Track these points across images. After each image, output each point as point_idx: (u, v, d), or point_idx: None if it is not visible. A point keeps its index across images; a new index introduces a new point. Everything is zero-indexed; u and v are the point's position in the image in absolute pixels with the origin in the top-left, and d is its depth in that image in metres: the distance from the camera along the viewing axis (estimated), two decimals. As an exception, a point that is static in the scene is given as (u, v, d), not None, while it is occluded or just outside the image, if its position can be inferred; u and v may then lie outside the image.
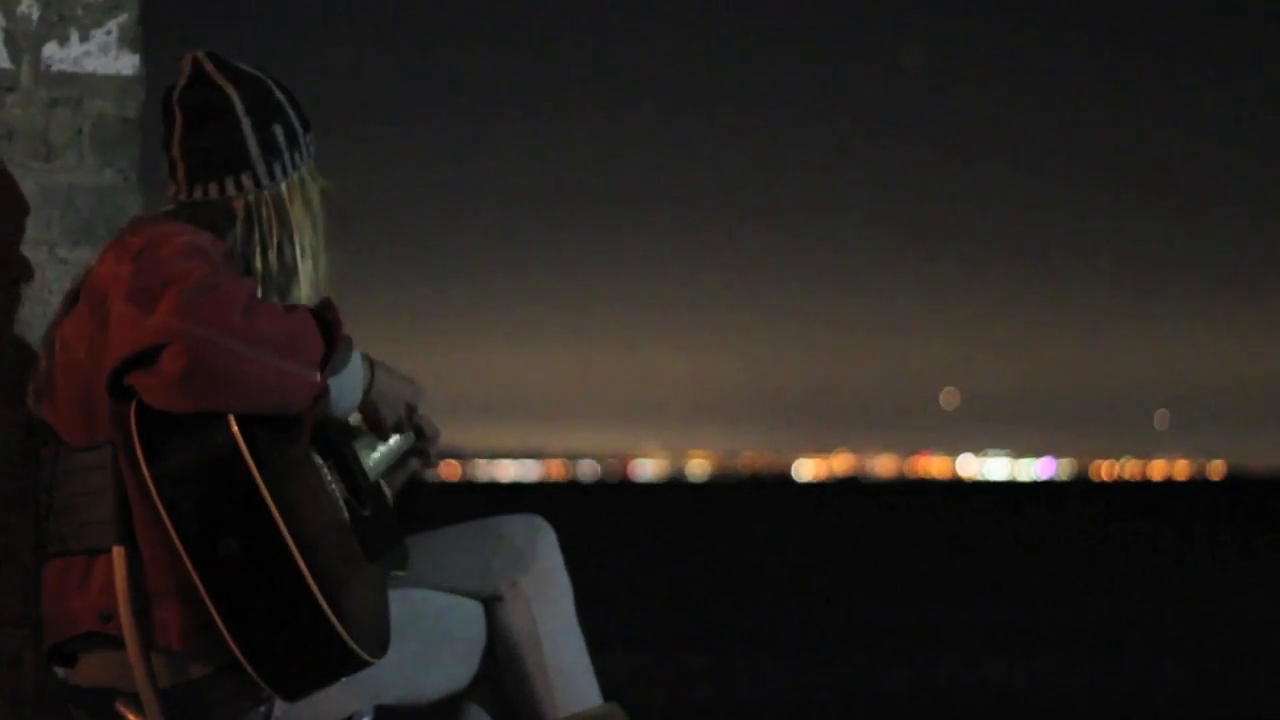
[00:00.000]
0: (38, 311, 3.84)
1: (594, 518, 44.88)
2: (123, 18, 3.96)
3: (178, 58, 3.52)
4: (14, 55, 3.87)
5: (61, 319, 3.43)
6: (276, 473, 3.20)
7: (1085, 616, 16.58)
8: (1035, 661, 12.67)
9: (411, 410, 3.53)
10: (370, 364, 3.46)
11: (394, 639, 3.37)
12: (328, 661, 3.22)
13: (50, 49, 3.90)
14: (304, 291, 3.47)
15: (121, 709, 3.34)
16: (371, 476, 3.55)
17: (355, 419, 3.56)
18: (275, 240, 3.45)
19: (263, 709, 3.33)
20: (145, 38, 3.98)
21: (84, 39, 3.92)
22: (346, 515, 3.36)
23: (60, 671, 3.52)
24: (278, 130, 3.46)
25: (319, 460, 3.36)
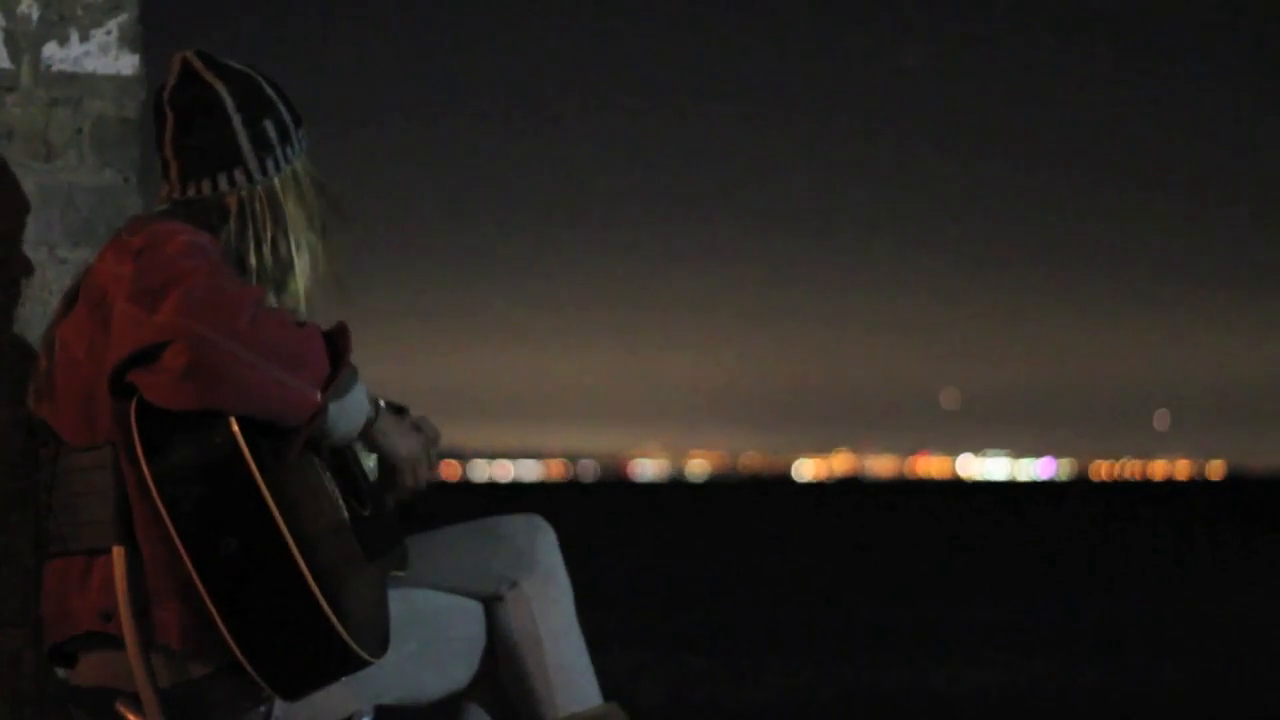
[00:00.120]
0: (38, 311, 3.83)
1: (594, 518, 44.85)
2: (123, 18, 3.96)
3: (176, 58, 3.52)
4: (14, 55, 3.87)
5: (61, 319, 3.42)
6: (276, 472, 3.20)
7: (1085, 616, 16.56)
8: (1035, 661, 12.66)
9: (422, 467, 3.49)
10: (377, 405, 3.42)
11: (394, 639, 3.37)
12: (328, 661, 3.22)
13: (50, 49, 3.90)
14: (301, 286, 3.46)
15: (121, 709, 3.33)
16: (371, 477, 3.55)
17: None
18: (269, 235, 3.45)
19: (263, 709, 3.33)
20: (145, 38, 3.98)
21: (84, 39, 3.92)
22: (346, 515, 3.36)
23: (60, 671, 3.52)
24: (269, 125, 3.45)
25: (319, 460, 3.36)
